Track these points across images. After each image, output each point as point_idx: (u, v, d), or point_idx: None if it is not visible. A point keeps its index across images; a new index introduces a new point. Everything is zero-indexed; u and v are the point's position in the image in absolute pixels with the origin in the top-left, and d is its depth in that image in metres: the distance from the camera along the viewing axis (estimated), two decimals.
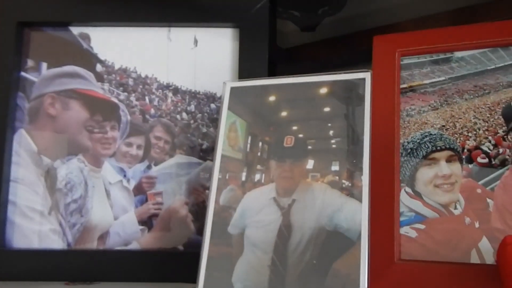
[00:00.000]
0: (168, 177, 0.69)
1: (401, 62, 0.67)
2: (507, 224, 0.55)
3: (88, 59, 0.72)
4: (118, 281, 0.65)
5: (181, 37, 0.73)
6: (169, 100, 0.72)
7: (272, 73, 1.13)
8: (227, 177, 0.56)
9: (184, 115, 0.72)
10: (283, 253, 0.50)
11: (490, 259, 0.53)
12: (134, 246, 0.67)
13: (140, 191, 0.69)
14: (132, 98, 0.72)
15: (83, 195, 0.67)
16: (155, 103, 0.72)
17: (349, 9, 1.09)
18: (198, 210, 0.68)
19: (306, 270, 0.48)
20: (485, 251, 0.54)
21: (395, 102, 0.64)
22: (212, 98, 0.73)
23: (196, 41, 0.73)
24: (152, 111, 0.72)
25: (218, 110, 0.64)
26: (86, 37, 0.73)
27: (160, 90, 0.73)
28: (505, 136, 0.59)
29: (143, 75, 0.73)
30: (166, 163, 0.70)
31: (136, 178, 0.69)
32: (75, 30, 0.73)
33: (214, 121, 0.71)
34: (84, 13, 0.73)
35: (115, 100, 0.71)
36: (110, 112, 0.71)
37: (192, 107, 0.72)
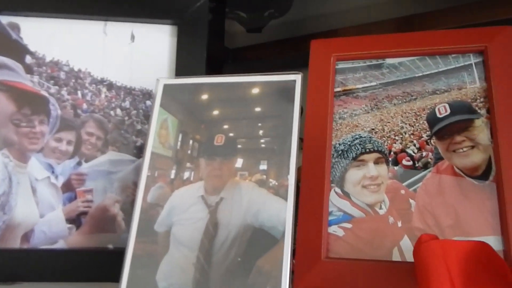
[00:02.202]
0: (99, 174, 0.68)
1: (336, 67, 0.69)
2: (427, 223, 0.58)
3: (17, 50, 0.69)
4: (43, 281, 0.63)
5: (117, 31, 0.72)
6: (103, 96, 0.70)
7: (218, 72, 1.14)
8: (156, 174, 0.56)
9: (119, 111, 0.70)
10: (209, 251, 0.50)
11: (410, 256, 0.56)
12: (60, 245, 0.65)
13: (69, 188, 0.67)
14: (64, 92, 0.69)
15: (6, 192, 0.64)
16: (88, 98, 0.70)
17: (294, 13, 1.11)
18: (130, 208, 0.67)
19: (230, 268, 0.48)
20: (406, 249, 0.57)
21: (329, 105, 0.65)
22: (148, 95, 0.71)
23: (133, 37, 0.72)
24: (85, 106, 0.70)
25: None
26: (16, 27, 0.70)
27: (94, 85, 0.71)
28: (428, 140, 0.62)
29: (76, 69, 0.70)
30: (98, 159, 0.68)
31: (65, 175, 0.67)
32: (4, 19, 0.70)
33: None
34: (14, 2, 0.70)
35: (45, 94, 0.69)
36: (39, 105, 0.68)
37: (127, 104, 0.71)
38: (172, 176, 0.55)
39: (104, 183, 0.67)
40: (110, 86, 0.71)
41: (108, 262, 0.64)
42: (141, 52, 0.72)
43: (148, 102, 0.71)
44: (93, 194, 0.67)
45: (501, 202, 0.55)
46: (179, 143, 0.57)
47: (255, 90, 0.57)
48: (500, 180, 0.56)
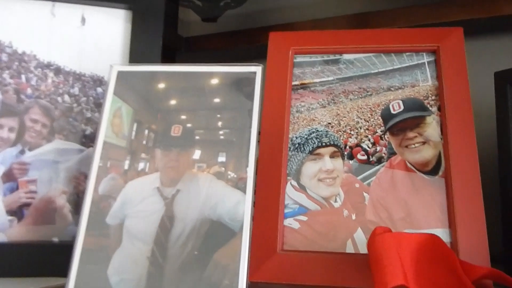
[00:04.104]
0: (44, 163, 0.64)
1: (294, 60, 0.69)
2: (380, 216, 0.59)
3: None
4: None
5: (66, 13, 0.68)
6: (49, 81, 0.66)
7: (171, 60, 1.11)
8: (108, 165, 0.53)
9: (67, 97, 0.67)
10: (164, 244, 0.48)
11: (363, 248, 0.57)
12: (0, 238, 0.60)
13: (10, 178, 0.62)
14: (6, 75, 0.65)
15: None
16: (33, 82, 0.65)
17: (251, 4, 1.10)
18: (78, 200, 0.64)
19: (186, 261, 0.47)
20: (360, 241, 0.58)
21: (286, 98, 0.65)
22: (99, 81, 0.68)
23: (83, 20, 0.68)
24: (29, 91, 0.65)
25: None
26: None
27: (40, 69, 0.66)
28: (382, 136, 0.63)
29: (20, 51, 0.66)
30: (43, 148, 0.64)
31: (6, 164, 0.62)
32: None
33: (100, 106, 0.67)
34: None
35: None
36: None
37: (76, 90, 0.67)
38: (126, 167, 0.53)
39: (49, 173, 0.64)
40: (58, 70, 0.67)
41: (53, 256, 0.60)
42: (92, 37, 0.68)
43: (99, 89, 0.68)
44: (37, 184, 0.63)
45: (449, 197, 0.57)
46: (133, 133, 0.54)
47: (214, 81, 0.56)
48: (449, 175, 0.58)
